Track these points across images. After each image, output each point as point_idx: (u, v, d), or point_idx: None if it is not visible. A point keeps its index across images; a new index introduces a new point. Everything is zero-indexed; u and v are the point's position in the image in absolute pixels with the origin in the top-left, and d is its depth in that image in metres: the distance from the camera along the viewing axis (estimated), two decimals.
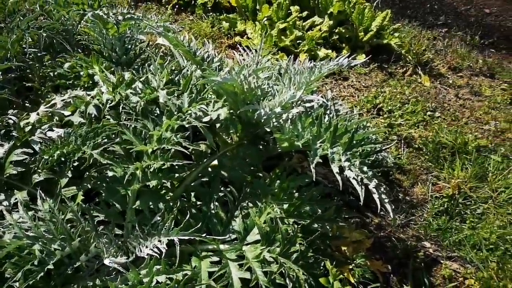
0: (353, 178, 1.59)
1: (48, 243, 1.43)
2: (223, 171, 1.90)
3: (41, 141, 1.77)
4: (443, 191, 2.44)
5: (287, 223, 1.69)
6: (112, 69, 2.16)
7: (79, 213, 1.56)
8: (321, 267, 1.68)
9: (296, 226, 1.69)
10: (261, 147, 2.10)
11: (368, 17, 3.61)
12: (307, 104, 2.01)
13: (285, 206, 1.75)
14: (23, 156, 1.75)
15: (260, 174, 1.98)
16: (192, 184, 1.84)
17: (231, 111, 1.93)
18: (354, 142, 1.67)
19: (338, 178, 1.60)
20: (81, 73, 2.15)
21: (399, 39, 3.69)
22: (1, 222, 1.52)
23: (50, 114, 1.95)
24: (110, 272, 1.54)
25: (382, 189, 1.60)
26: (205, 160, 1.93)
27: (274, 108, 1.83)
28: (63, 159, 1.75)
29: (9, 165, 1.71)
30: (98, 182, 1.73)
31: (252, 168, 1.97)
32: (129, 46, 2.32)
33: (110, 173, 1.73)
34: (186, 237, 1.49)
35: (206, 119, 1.82)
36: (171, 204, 1.68)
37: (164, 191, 1.75)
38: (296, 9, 3.66)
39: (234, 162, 1.93)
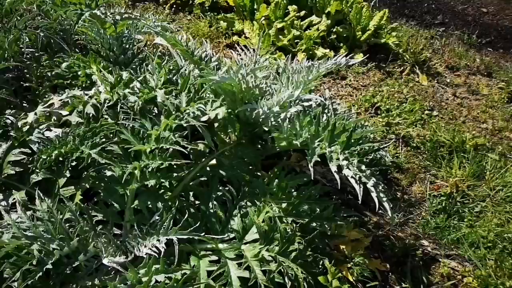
0: (351, 176, 1.59)
1: (47, 243, 1.43)
2: (221, 170, 1.90)
3: (39, 141, 1.77)
4: (441, 189, 2.45)
5: (285, 222, 1.70)
6: (110, 68, 2.16)
7: (78, 213, 1.56)
8: (320, 266, 1.68)
9: (294, 225, 1.69)
10: (259, 146, 2.10)
11: (366, 16, 3.61)
12: (305, 103, 2.01)
13: (284, 205, 1.76)
14: (21, 156, 1.75)
15: (259, 173, 1.98)
16: (190, 183, 1.84)
17: (229, 110, 1.93)
18: (352, 141, 1.67)
19: (337, 177, 1.61)
20: (79, 72, 2.15)
21: (397, 38, 3.70)
22: (0, 222, 1.52)
23: (48, 114, 1.94)
24: (109, 272, 1.54)
25: (380, 188, 1.60)
26: (203, 159, 1.93)
27: (272, 107, 1.83)
28: (61, 159, 1.75)
29: (7, 165, 1.71)
30: (97, 182, 1.73)
31: (250, 167, 1.98)
32: (127, 46, 2.31)
33: (108, 173, 1.73)
34: (185, 237, 1.49)
35: (204, 118, 1.82)
36: (169, 203, 1.68)
37: (162, 190, 1.75)
38: (294, 9, 3.66)
39: (232, 161, 1.93)
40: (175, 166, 1.78)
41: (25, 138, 1.78)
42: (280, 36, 3.53)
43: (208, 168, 1.92)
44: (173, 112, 1.76)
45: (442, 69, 3.63)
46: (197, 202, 1.81)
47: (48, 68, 2.22)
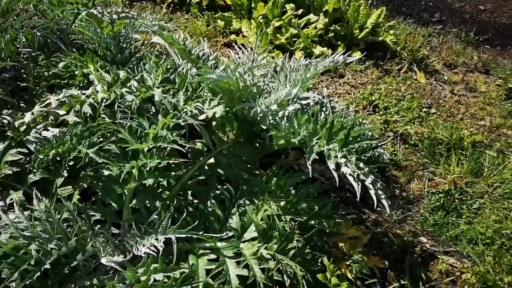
0: (350, 174, 1.59)
1: (45, 242, 1.42)
2: (219, 169, 1.89)
3: (36, 140, 1.76)
4: (439, 186, 2.45)
5: (284, 220, 1.69)
6: (107, 68, 2.15)
7: (76, 213, 1.55)
8: (319, 264, 1.68)
9: (293, 223, 1.69)
10: (257, 144, 2.10)
11: (363, 14, 3.62)
12: (303, 102, 2.01)
13: (282, 203, 1.76)
14: (18, 156, 1.74)
15: (257, 172, 1.98)
16: (188, 182, 1.83)
17: (227, 109, 1.93)
18: (350, 138, 1.67)
19: (335, 174, 1.61)
20: (76, 72, 2.14)
21: (394, 36, 3.70)
22: None
23: (45, 113, 1.94)
24: (107, 271, 1.54)
25: (378, 185, 1.61)
26: (201, 158, 1.93)
27: (270, 106, 1.83)
28: (58, 158, 1.74)
29: (4, 165, 1.70)
30: (94, 181, 1.72)
31: (248, 165, 1.97)
32: (124, 45, 2.31)
33: (106, 172, 1.72)
34: (183, 235, 1.49)
35: (202, 117, 1.82)
36: (167, 202, 1.68)
37: (160, 189, 1.74)
38: (291, 7, 3.66)
39: (230, 160, 1.93)
40: (173, 165, 1.78)
41: (22, 138, 1.77)
42: (278, 35, 3.53)
43: (206, 167, 1.91)
44: (171, 111, 1.76)
45: (440, 66, 3.63)
46: (195, 201, 1.81)
47: (45, 68, 2.21)
